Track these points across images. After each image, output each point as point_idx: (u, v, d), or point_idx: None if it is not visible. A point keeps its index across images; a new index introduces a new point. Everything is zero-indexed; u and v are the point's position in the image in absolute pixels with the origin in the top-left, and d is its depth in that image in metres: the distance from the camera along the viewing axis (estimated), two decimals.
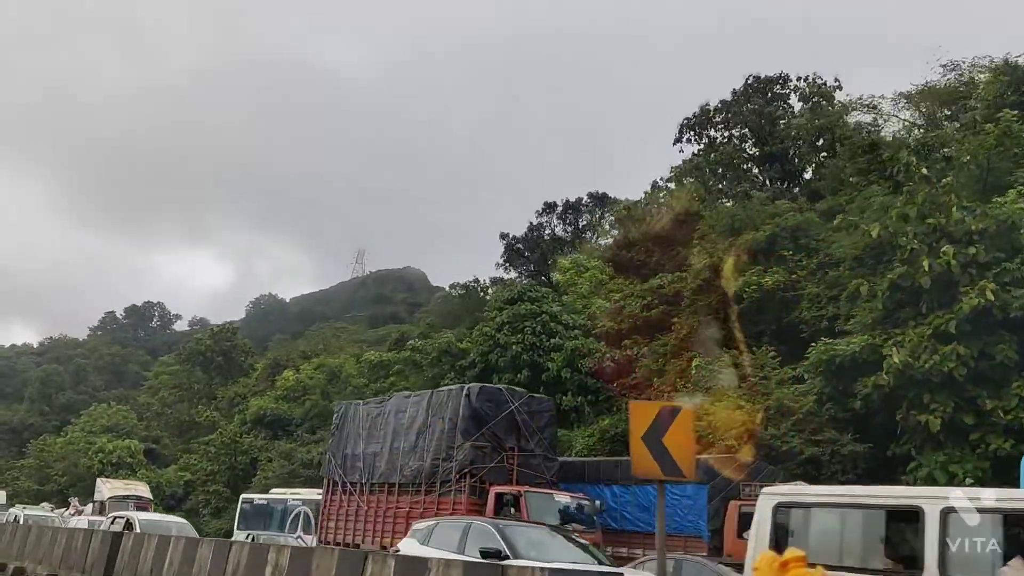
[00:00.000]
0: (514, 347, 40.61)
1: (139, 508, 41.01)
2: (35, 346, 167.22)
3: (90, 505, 42.46)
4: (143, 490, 44.02)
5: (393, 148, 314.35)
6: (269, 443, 57.88)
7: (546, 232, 57.74)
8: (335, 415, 23.48)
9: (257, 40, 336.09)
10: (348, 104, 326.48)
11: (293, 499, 28.27)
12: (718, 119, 48.75)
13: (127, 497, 41.57)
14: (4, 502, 57.11)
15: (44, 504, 45.16)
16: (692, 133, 50.46)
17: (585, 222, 58.65)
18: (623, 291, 40.26)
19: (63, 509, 48.91)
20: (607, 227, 56.33)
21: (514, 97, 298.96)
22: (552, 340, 40.57)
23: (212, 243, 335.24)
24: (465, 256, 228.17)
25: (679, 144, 50.92)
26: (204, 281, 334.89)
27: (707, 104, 50.24)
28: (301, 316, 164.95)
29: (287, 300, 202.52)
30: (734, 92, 49.17)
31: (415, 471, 19.87)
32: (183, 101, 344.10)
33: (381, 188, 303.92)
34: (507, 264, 61.33)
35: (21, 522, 30.03)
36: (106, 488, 42.20)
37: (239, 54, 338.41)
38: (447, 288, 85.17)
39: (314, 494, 28.76)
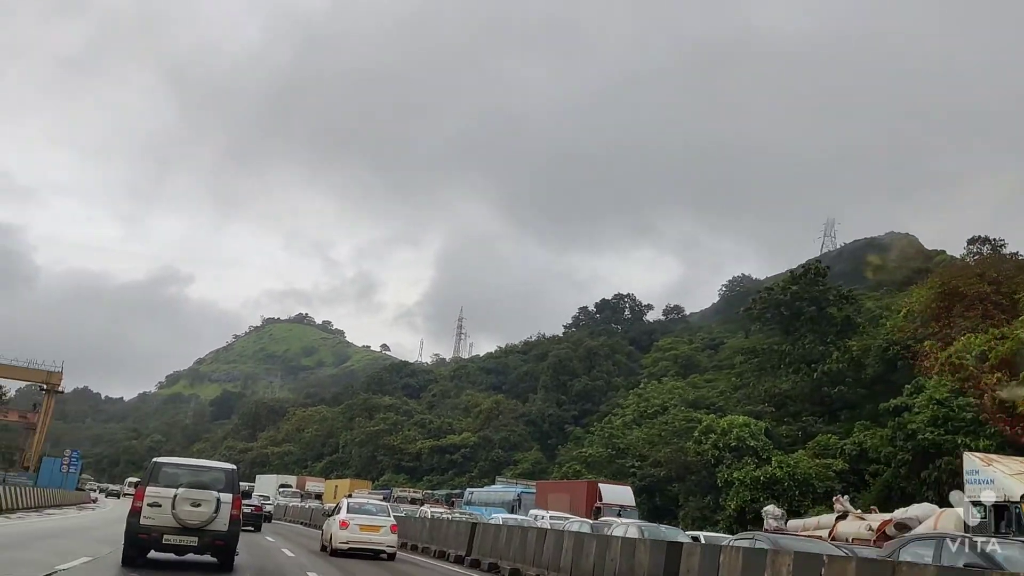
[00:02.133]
0: None
1: None
2: (519, 345, 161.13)
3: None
4: None
5: (846, 109, 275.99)
6: None
7: None
8: None
9: (694, 24, 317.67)
10: (796, 72, 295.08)
11: None
12: None
13: None
14: (633, 503, 37.24)
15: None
16: None
17: None
18: None
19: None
20: None
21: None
22: None
23: (659, 234, 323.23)
24: (956, 213, 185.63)
25: None
26: (659, 271, 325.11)
27: None
28: None
29: (761, 279, 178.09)
30: None
31: None
32: (616, 103, 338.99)
33: (847, 153, 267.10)
34: None
35: None
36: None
37: (674, 46, 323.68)
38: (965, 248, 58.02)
39: None
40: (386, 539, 22.30)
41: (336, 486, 76.83)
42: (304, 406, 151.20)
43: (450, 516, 33.32)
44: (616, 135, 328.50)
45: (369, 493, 70.59)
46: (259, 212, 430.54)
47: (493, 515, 36.02)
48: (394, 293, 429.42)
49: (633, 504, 37.58)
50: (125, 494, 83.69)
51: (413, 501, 60.68)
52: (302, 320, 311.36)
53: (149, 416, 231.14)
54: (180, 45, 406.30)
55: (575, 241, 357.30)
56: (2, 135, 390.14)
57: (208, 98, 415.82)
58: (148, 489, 14.33)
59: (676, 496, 47.85)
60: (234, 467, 16.25)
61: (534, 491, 46.01)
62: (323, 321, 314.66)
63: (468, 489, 51.60)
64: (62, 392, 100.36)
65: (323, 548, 23.88)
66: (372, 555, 22.05)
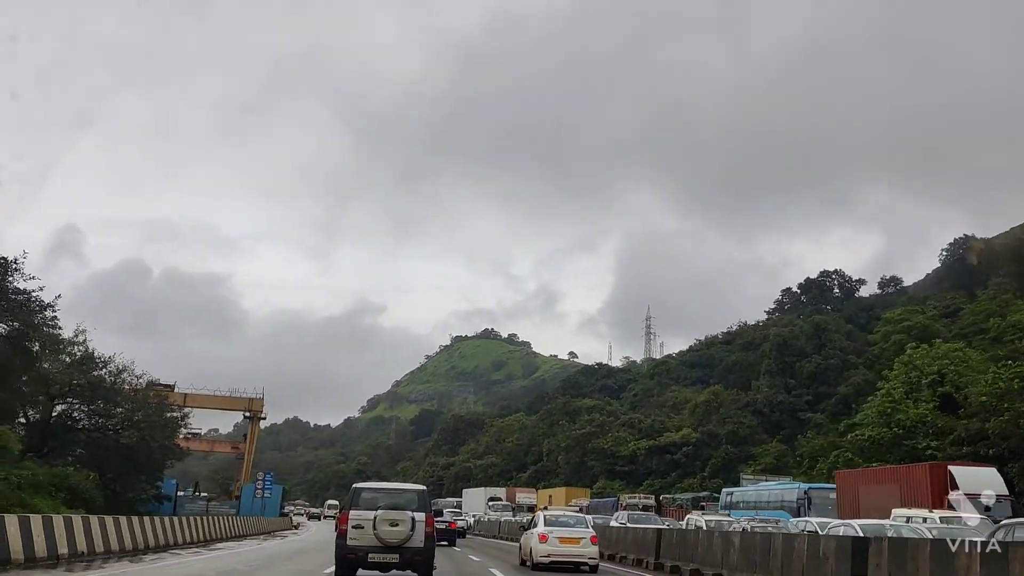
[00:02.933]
0: None
1: None
2: (720, 336, 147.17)
3: None
4: None
5: None
6: None
7: None
8: None
9: None
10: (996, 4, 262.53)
11: None
12: None
13: None
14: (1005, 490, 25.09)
15: None
16: None
17: None
18: None
19: None
20: None
21: None
22: None
23: (853, 208, 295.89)
24: None
25: None
26: (857, 247, 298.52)
27: None
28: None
29: (990, 237, 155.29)
30: None
31: None
32: (795, 73, 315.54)
33: None
34: None
35: None
36: None
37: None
38: None
39: None
40: (587, 551, 21.66)
41: (550, 496, 67.66)
42: (500, 417, 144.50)
43: (748, 527, 22.64)
44: (796, 108, 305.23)
45: (589, 502, 60.94)
46: (439, 236, 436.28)
47: (792, 521, 25.04)
48: (576, 301, 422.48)
49: (1005, 491, 25.43)
50: (325, 516, 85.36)
51: (646, 508, 50.22)
52: (489, 335, 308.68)
53: (354, 440, 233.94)
54: (347, 79, 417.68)
55: (761, 226, 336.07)
56: (204, 189, 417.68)
57: (378, 127, 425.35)
58: (351, 513, 15.45)
59: (1011, 478, 34.53)
60: (425, 488, 17.13)
61: (824, 487, 34.32)
62: (509, 334, 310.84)
63: (725, 490, 40.08)
64: (264, 418, 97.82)
65: (522, 563, 23.27)
66: (573, 568, 21.45)
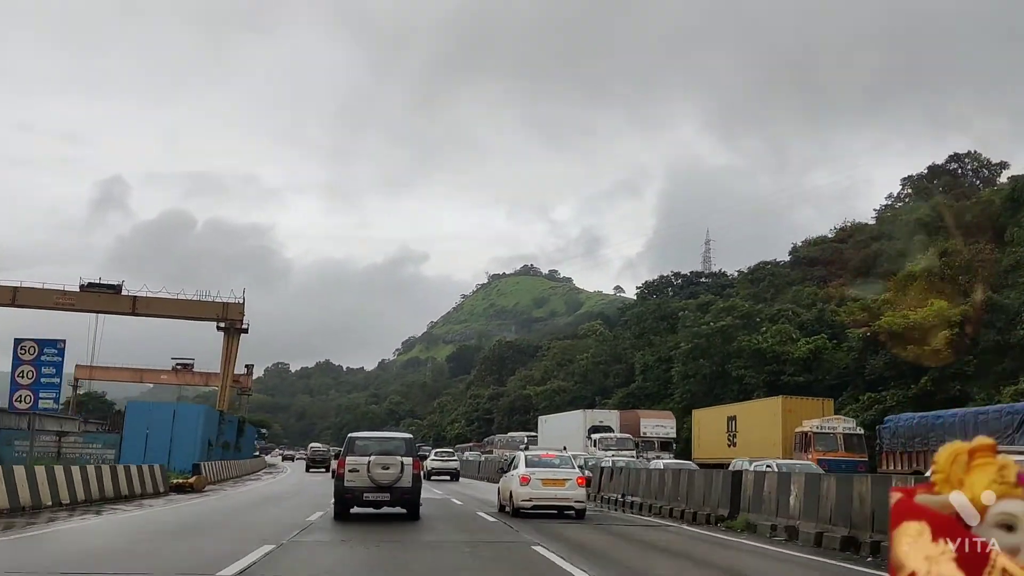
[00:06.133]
0: None
1: None
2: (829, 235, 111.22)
3: None
4: None
5: None
6: None
7: None
8: None
9: None
10: None
11: None
12: None
13: None
14: None
15: None
16: None
17: None
18: None
19: None
20: None
21: None
22: None
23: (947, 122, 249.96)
24: None
25: None
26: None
27: None
28: None
29: None
30: None
31: None
32: None
33: None
34: None
35: None
36: None
37: None
38: None
39: None
40: (573, 493, 19.10)
41: (733, 417, 33.05)
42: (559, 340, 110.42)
43: None
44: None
45: (888, 421, 26.61)
46: (480, 184, 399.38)
47: None
48: (619, 246, 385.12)
49: None
50: (299, 457, 78.81)
51: None
52: (528, 272, 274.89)
53: (388, 382, 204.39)
54: None
55: (825, 149, 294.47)
56: (244, 143, 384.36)
57: (396, 50, 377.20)
58: (348, 459, 16.69)
59: None
60: (411, 436, 19.93)
61: None
62: (550, 271, 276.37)
63: None
64: (246, 331, 65.53)
65: (501, 508, 20.39)
66: (557, 512, 18.89)
